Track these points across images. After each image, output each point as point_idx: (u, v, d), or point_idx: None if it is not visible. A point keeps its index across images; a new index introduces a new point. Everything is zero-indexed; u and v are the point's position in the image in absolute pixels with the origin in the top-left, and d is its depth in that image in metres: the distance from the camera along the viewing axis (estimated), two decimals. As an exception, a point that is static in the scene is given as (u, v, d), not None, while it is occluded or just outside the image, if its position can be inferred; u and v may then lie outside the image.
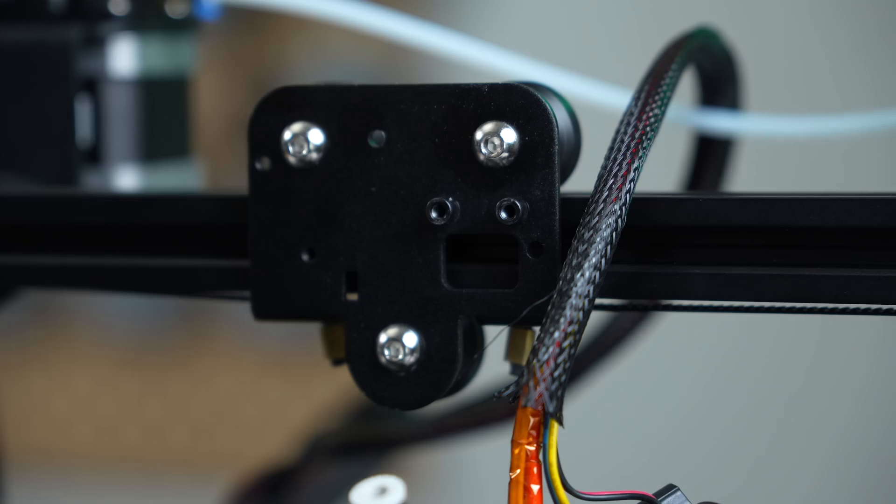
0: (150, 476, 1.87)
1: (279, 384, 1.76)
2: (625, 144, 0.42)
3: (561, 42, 1.51)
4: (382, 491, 0.44)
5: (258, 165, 0.45)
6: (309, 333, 0.50)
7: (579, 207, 0.42)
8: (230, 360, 1.77)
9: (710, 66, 0.54)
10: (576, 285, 0.40)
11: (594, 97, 0.54)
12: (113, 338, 1.85)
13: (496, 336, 0.45)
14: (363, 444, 0.67)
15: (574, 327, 0.41)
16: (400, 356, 0.44)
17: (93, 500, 1.82)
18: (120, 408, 1.82)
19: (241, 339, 1.78)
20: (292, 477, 0.68)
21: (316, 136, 0.45)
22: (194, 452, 1.78)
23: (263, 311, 0.46)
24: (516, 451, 0.41)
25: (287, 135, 0.45)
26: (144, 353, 1.84)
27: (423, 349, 0.44)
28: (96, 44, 0.55)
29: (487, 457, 0.91)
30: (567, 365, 0.40)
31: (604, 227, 0.41)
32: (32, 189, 0.55)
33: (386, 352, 0.45)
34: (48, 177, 0.56)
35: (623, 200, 0.41)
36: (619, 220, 0.41)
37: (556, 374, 0.40)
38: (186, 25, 0.58)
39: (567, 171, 0.44)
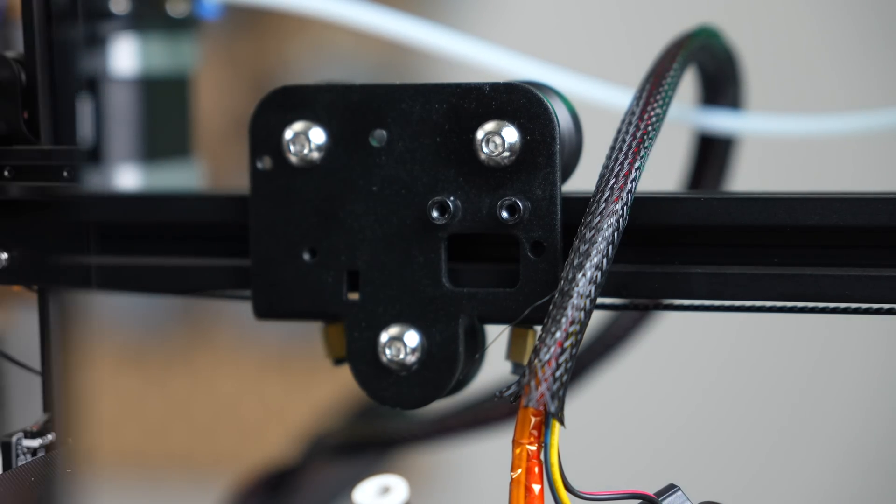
0: (150, 476, 1.88)
1: (279, 383, 1.76)
2: (626, 144, 0.42)
3: (562, 41, 1.52)
4: (385, 490, 0.45)
5: (259, 164, 0.46)
6: (310, 333, 0.51)
7: (581, 207, 0.42)
8: (231, 360, 1.77)
9: (711, 65, 0.54)
10: (577, 285, 0.40)
11: (595, 96, 0.55)
12: (112, 336, 1.85)
13: (498, 336, 0.45)
14: (364, 443, 0.67)
15: (576, 327, 0.40)
16: (401, 355, 0.45)
17: (92, 500, 1.83)
18: (120, 407, 1.83)
19: (242, 338, 1.79)
20: (293, 476, 0.69)
21: (317, 136, 0.46)
22: (194, 452, 1.79)
23: (265, 311, 0.46)
24: (517, 450, 0.41)
25: (288, 134, 0.46)
26: (144, 352, 1.85)
27: (425, 348, 0.45)
28: (97, 43, 0.58)
29: (488, 456, 0.92)
30: (569, 365, 0.41)
31: (605, 226, 0.41)
32: (35, 184, 0.55)
33: (387, 351, 0.45)
34: (47, 176, 0.55)
35: (625, 200, 0.41)
36: (621, 220, 0.41)
37: (558, 374, 0.40)
38: (187, 25, 0.60)
39: (568, 170, 0.45)
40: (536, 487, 0.42)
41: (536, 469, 0.42)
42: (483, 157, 0.44)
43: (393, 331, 0.46)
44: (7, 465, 0.62)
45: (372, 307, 0.46)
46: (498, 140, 0.44)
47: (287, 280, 0.47)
